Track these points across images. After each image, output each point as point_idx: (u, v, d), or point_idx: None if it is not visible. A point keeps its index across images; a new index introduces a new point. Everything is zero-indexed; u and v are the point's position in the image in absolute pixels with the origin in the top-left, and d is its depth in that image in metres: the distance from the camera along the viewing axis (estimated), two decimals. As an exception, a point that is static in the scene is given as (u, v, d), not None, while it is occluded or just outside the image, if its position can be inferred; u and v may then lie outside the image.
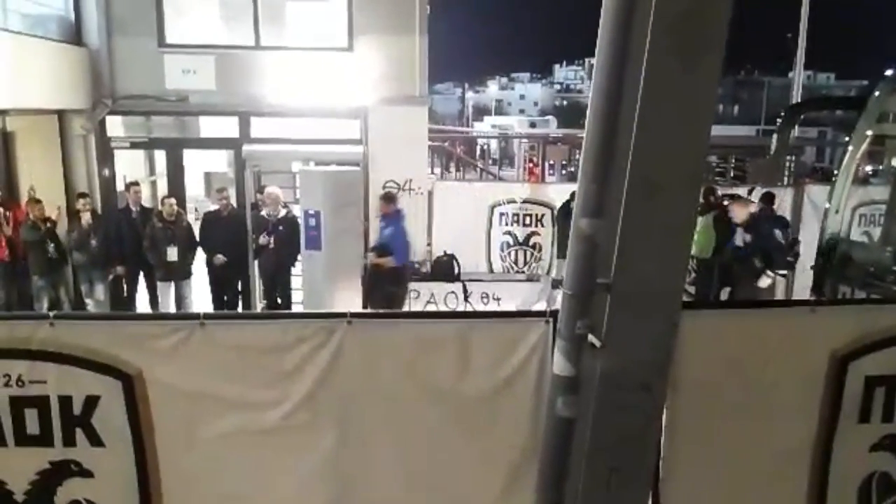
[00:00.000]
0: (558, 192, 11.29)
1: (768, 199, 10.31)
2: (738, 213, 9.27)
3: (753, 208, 9.49)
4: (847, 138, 8.18)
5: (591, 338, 3.07)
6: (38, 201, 9.65)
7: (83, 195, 10.25)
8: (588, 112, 3.00)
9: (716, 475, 3.60)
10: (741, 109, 72.40)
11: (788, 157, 12.42)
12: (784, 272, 9.85)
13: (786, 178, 12.66)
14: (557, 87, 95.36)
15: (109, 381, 3.34)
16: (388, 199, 10.11)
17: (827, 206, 8.08)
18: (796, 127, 13.10)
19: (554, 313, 3.31)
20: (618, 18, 2.81)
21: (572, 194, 10.26)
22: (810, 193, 11.25)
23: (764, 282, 9.02)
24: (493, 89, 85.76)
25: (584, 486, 3.23)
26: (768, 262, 9.05)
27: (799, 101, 17.51)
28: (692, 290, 10.25)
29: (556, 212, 11.40)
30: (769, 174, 11.89)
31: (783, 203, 11.19)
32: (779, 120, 9.04)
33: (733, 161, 18.02)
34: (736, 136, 34.08)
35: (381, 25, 10.98)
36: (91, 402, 3.36)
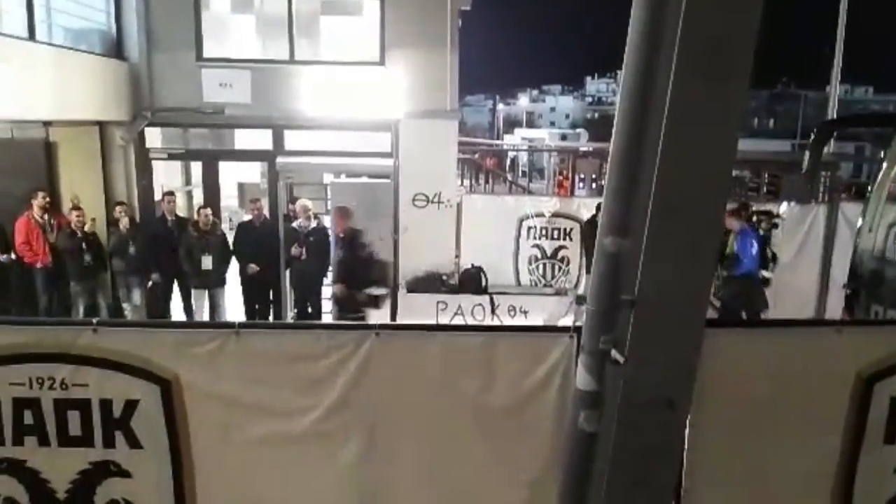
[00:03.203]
0: (587, 206, 11.29)
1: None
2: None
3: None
4: (883, 154, 8.09)
5: (614, 353, 3.11)
6: (78, 208, 9.93)
7: (121, 203, 10.52)
8: (614, 130, 3.05)
9: (738, 493, 3.61)
10: (777, 123, 71.49)
11: (823, 173, 12.29)
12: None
13: (820, 195, 12.53)
14: (589, 99, 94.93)
15: (148, 386, 3.47)
16: (343, 212, 10.17)
17: (860, 223, 8.00)
18: (831, 142, 12.96)
19: (578, 328, 3.37)
20: (644, 39, 2.86)
21: (598, 206, 10.38)
22: (844, 210, 11.11)
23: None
24: (523, 101, 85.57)
25: (606, 500, 3.27)
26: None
27: (834, 116, 17.28)
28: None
29: (583, 225, 11.41)
30: (801, 191, 11.79)
31: (817, 220, 11.11)
32: (812, 135, 8.95)
33: (766, 176, 17.84)
34: (770, 150, 33.68)
35: (413, 40, 11.13)
36: (130, 405, 3.49)
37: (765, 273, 10.10)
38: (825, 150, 10.53)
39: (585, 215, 11.30)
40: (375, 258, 10.30)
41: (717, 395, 3.45)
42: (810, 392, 3.53)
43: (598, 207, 10.37)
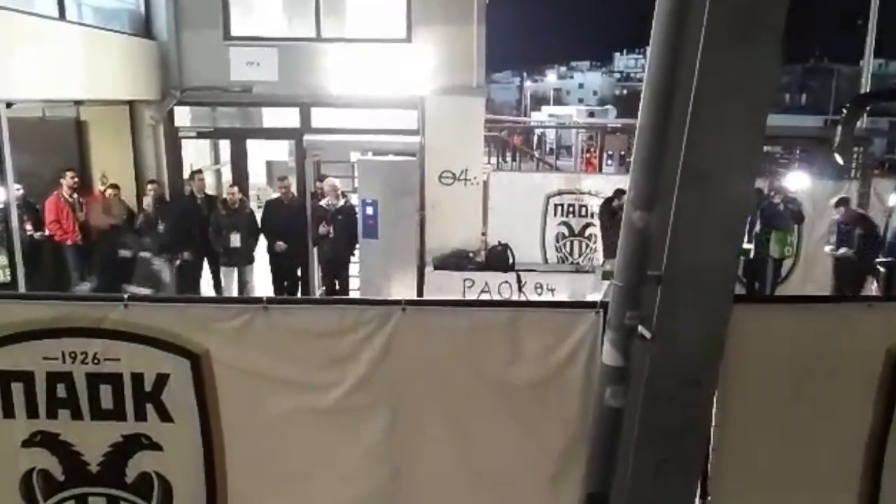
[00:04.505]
0: (616, 183, 11.18)
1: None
2: None
3: None
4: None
5: (640, 329, 3.10)
6: (116, 187, 10.07)
7: (152, 182, 10.64)
8: (641, 103, 3.01)
9: (766, 469, 3.59)
10: (809, 99, 69.98)
11: (855, 149, 12.04)
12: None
13: (852, 171, 12.29)
14: (617, 75, 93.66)
15: (179, 360, 3.53)
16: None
17: (893, 199, 7.85)
18: (864, 118, 12.68)
19: (604, 304, 3.36)
20: (673, 6, 2.82)
21: (616, 192, 10.29)
22: (877, 186, 10.91)
23: None
24: (551, 78, 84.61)
25: (632, 475, 3.27)
26: None
27: (867, 91, 16.87)
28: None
29: (598, 210, 11.30)
30: (833, 167, 11.59)
31: (848, 194, 10.93)
32: (844, 110, 8.76)
33: (798, 152, 17.51)
34: (802, 126, 33.03)
35: (440, 16, 11.04)
36: (161, 379, 3.56)
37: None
38: (858, 125, 10.33)
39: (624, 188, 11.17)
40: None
41: (745, 372, 3.43)
42: (840, 368, 3.50)
43: (616, 192, 10.41)
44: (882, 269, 8.06)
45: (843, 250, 9.46)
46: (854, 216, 9.63)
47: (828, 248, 9.90)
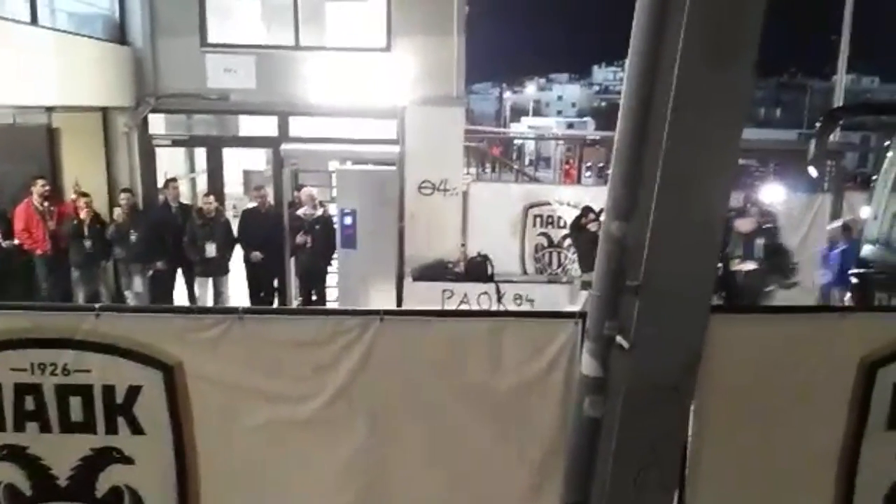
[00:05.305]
0: (595, 195, 11.23)
1: None
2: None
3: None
4: (888, 143, 8.05)
5: (619, 339, 3.11)
6: (85, 195, 9.91)
7: (125, 190, 10.51)
8: (619, 115, 3.03)
9: (742, 477, 3.62)
10: (783, 113, 71.12)
11: (828, 162, 12.22)
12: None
13: (825, 184, 12.46)
14: (596, 88, 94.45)
15: (151, 372, 3.47)
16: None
17: (865, 212, 7.97)
18: (837, 131, 12.88)
19: (583, 314, 3.36)
20: (651, 22, 2.84)
21: (583, 210, 10.26)
22: (849, 199, 11.06)
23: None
24: (530, 90, 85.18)
25: (610, 484, 3.27)
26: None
27: (840, 105, 17.16)
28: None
29: (568, 228, 11.31)
30: (806, 179, 11.73)
31: (823, 209, 11.05)
32: (818, 124, 8.88)
33: (772, 166, 17.74)
34: (777, 139, 33.54)
35: (420, 26, 11.04)
36: (133, 391, 3.49)
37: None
38: (831, 139, 10.47)
39: (593, 204, 11.23)
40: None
41: (722, 380, 3.45)
42: (814, 378, 3.53)
43: (584, 210, 10.45)
44: (855, 280, 8.15)
45: (748, 265, 8.77)
46: (754, 227, 9.07)
47: (736, 266, 9.30)
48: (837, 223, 9.69)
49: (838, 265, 9.29)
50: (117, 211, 10.08)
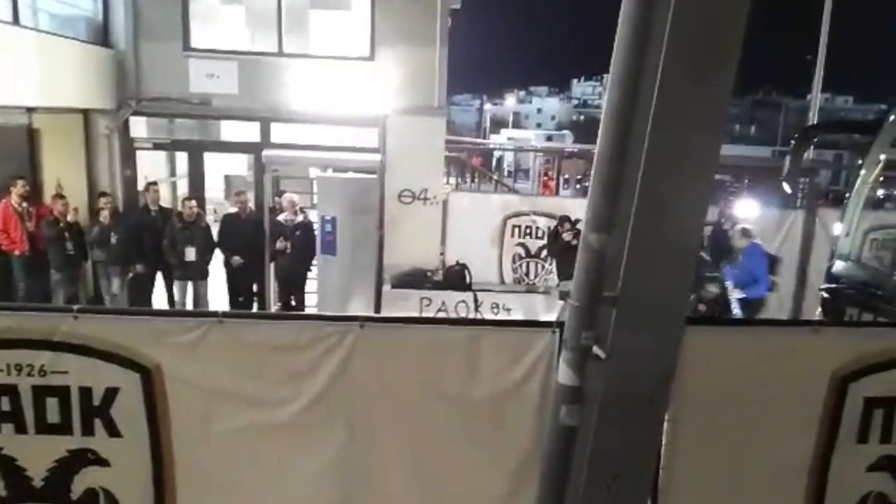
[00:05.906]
0: (572, 206, 11.34)
1: None
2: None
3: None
4: (860, 161, 8.21)
5: (595, 349, 3.15)
6: (62, 197, 9.82)
7: (104, 194, 10.43)
8: (600, 128, 3.07)
9: (714, 487, 3.67)
10: (758, 130, 72.05)
11: (801, 179, 12.42)
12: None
13: (798, 201, 12.66)
14: (575, 101, 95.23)
15: (129, 374, 3.46)
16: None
17: (838, 228, 8.12)
18: (811, 149, 13.10)
19: (560, 324, 3.40)
20: (632, 37, 2.88)
21: (560, 220, 10.33)
22: (822, 216, 11.24)
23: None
24: (510, 102, 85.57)
25: (584, 492, 3.31)
26: None
27: (814, 123, 17.47)
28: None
29: (546, 238, 11.47)
30: (780, 196, 11.91)
31: (795, 225, 11.22)
32: (792, 141, 9.04)
33: (747, 181, 17.98)
34: (751, 156, 33.97)
35: (403, 36, 11.11)
36: (110, 393, 3.48)
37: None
38: (805, 156, 10.65)
39: (570, 215, 11.33)
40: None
41: (696, 391, 3.50)
42: (787, 390, 3.60)
43: (560, 220, 10.57)
44: (826, 296, 8.28)
45: None
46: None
47: None
48: (737, 228, 9.59)
49: (747, 268, 9.03)
50: (104, 213, 10.00)
